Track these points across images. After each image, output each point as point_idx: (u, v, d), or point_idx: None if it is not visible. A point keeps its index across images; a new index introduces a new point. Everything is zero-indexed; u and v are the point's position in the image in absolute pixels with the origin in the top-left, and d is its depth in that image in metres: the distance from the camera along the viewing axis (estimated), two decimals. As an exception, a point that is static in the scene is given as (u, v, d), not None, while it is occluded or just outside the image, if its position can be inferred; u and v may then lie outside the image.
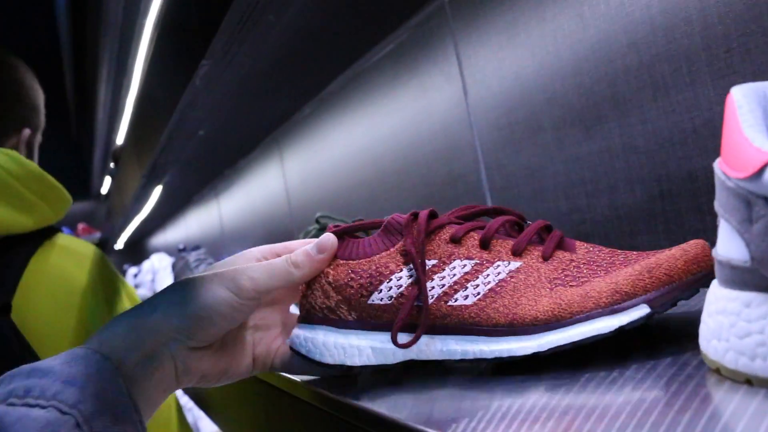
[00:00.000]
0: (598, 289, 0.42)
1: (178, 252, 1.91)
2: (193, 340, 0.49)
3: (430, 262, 0.47)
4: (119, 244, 4.72)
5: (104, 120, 2.93)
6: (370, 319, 0.48)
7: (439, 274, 0.47)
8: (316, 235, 0.65)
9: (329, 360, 0.49)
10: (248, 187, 2.02)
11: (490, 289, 0.45)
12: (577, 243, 0.47)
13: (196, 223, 2.78)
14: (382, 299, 0.47)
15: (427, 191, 1.03)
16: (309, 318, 0.50)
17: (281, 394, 0.60)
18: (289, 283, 0.51)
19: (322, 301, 0.49)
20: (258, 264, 0.50)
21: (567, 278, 0.44)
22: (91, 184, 5.21)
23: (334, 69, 1.20)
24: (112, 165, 2.93)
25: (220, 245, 2.48)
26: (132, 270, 3.39)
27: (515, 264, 0.46)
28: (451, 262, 0.47)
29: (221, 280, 0.49)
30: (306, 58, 1.10)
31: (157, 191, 2.20)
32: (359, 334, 0.49)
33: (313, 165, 1.48)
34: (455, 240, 0.47)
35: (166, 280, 2.34)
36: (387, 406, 0.43)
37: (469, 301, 0.46)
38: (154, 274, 2.54)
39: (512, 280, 0.45)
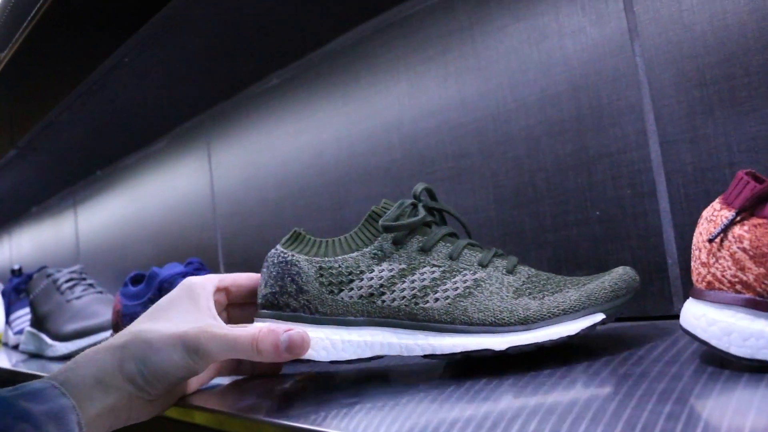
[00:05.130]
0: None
1: (12, 274, 1.65)
2: (146, 395, 0.50)
3: None
4: None
5: None
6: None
7: None
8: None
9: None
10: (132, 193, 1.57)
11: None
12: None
13: (29, 242, 2.24)
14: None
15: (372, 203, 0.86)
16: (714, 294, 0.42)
17: None
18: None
19: (732, 273, 0.40)
20: (222, 335, 0.50)
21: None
22: None
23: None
24: None
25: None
26: None
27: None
28: None
29: (184, 346, 0.49)
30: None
31: None
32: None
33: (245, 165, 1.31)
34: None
35: None
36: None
37: None
38: None
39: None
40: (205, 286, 0.56)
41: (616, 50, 0.65)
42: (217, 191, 1.26)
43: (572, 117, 0.68)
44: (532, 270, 0.54)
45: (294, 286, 0.54)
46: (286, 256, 0.55)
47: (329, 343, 0.52)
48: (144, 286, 0.89)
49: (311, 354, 0.52)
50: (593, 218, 0.66)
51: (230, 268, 1.23)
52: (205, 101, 1.23)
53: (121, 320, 0.88)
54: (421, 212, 0.55)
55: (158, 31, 0.81)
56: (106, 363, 0.50)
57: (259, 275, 0.59)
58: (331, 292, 0.53)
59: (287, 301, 0.54)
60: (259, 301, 0.56)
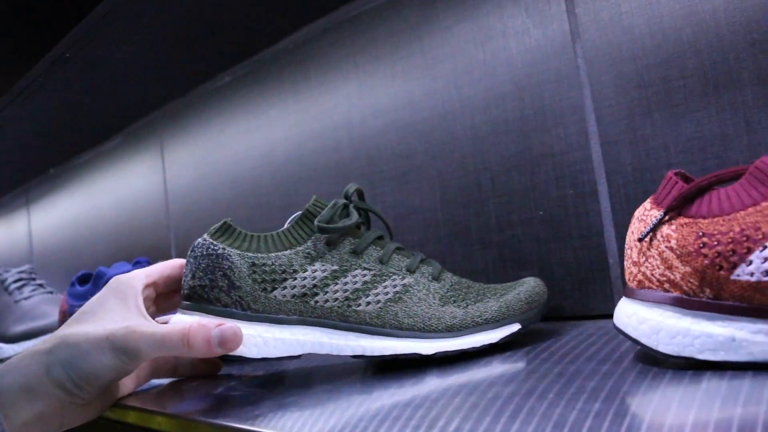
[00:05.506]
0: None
1: None
2: (78, 399, 0.50)
3: None
4: None
5: None
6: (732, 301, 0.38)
7: None
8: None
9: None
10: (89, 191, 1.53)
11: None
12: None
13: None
14: (752, 274, 0.36)
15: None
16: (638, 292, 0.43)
17: None
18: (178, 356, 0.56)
19: (661, 272, 0.41)
20: (150, 333, 0.49)
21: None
22: None
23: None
24: None
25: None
26: None
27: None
28: None
29: (112, 347, 0.49)
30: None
31: None
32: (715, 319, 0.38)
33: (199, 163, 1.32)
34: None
35: None
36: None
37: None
38: None
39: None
40: (132, 283, 0.55)
41: (559, 51, 0.65)
42: (170, 190, 1.25)
43: (516, 117, 0.69)
44: (455, 277, 0.57)
45: (226, 281, 0.52)
46: (216, 248, 0.53)
47: (261, 340, 0.51)
48: (91, 286, 0.87)
49: (242, 350, 0.51)
50: (537, 218, 0.67)
51: (183, 268, 1.21)
52: (157, 99, 1.21)
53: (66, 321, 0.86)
54: (354, 214, 0.56)
55: (99, 25, 0.79)
56: (32, 369, 0.49)
57: (180, 261, 0.60)
58: (264, 289, 0.52)
59: (218, 295, 0.52)
60: (184, 291, 0.54)
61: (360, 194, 0.59)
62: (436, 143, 0.76)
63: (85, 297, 0.87)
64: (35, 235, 1.90)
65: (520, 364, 0.47)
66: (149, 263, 0.89)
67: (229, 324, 0.50)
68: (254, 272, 0.52)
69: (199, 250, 0.54)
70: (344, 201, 0.57)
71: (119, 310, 0.53)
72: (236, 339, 0.50)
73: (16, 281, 1.24)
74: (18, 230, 1.99)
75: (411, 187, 0.78)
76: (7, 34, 0.91)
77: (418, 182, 0.78)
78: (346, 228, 0.54)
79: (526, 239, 0.68)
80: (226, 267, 0.52)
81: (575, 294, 0.63)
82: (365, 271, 0.54)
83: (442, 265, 0.59)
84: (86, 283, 0.92)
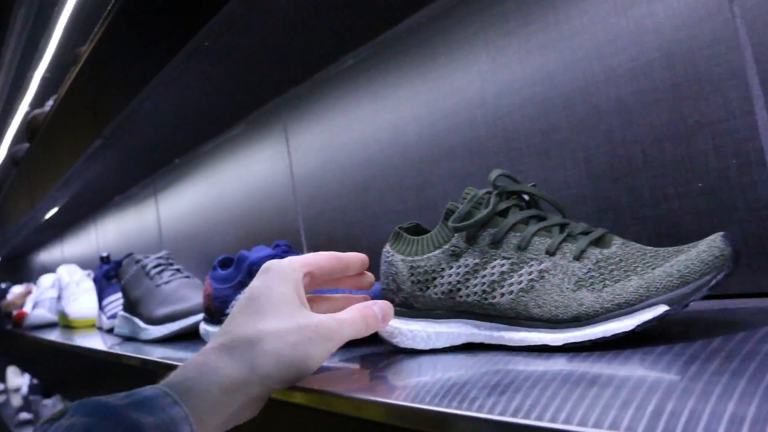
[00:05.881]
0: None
1: (102, 261, 1.66)
2: (270, 392, 0.50)
3: None
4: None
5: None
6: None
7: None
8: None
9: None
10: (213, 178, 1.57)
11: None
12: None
13: (114, 230, 2.28)
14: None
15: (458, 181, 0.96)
16: None
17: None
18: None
19: None
20: (350, 319, 0.53)
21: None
22: None
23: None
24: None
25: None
26: (16, 289, 2.84)
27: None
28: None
29: (319, 336, 0.51)
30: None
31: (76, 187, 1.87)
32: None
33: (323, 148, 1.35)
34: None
35: (81, 296, 1.87)
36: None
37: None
38: (61, 290, 2.13)
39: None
40: (295, 267, 0.56)
41: (713, 13, 0.62)
42: (296, 174, 1.27)
43: (667, 86, 0.65)
44: (607, 251, 0.51)
45: (394, 285, 0.60)
46: (388, 256, 0.61)
47: (425, 335, 0.58)
48: (233, 270, 0.90)
49: (412, 344, 0.59)
50: (696, 191, 0.64)
51: (314, 251, 1.23)
52: (281, 85, 1.23)
53: (212, 304, 0.89)
54: (491, 204, 0.55)
55: (237, 12, 0.80)
56: (233, 370, 0.48)
57: (335, 254, 0.62)
58: (420, 289, 0.58)
59: (392, 297, 0.61)
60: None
61: (511, 178, 0.58)
62: (578, 117, 0.73)
63: (227, 280, 0.89)
64: (164, 223, 1.98)
65: (672, 345, 0.45)
66: (288, 247, 0.90)
67: (379, 303, 0.57)
68: (412, 274, 0.59)
69: (383, 257, 0.62)
70: (486, 190, 0.57)
71: (290, 303, 0.53)
72: (391, 312, 0.58)
73: (155, 266, 1.29)
74: (148, 219, 2.08)
75: (554, 164, 0.76)
76: (145, 27, 0.94)
77: (560, 158, 0.76)
78: (476, 223, 0.55)
79: (684, 213, 0.65)
80: (393, 272, 0.60)
81: (743, 270, 0.60)
82: (503, 261, 0.54)
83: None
84: (227, 267, 0.94)
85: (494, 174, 0.57)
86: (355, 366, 0.62)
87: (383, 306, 0.57)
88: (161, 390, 0.45)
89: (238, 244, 1.51)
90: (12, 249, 3.66)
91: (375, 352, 0.65)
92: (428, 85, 0.94)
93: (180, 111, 1.25)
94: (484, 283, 0.54)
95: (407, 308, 0.60)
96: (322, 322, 0.51)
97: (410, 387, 0.48)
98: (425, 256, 0.58)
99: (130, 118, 1.07)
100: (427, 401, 0.43)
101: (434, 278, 0.57)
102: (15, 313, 2.40)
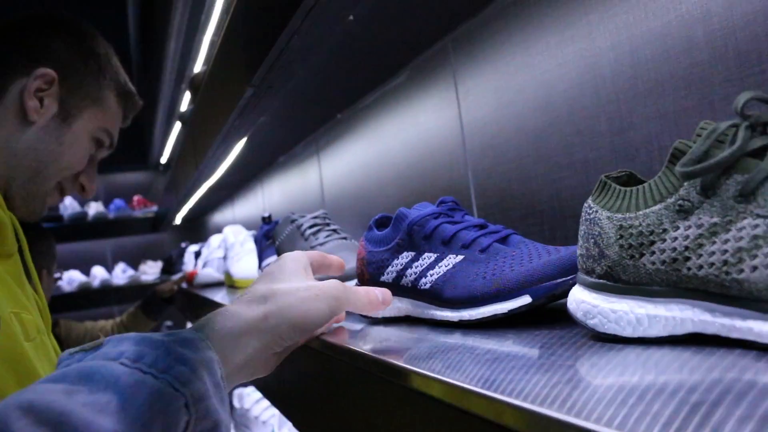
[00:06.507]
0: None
1: (263, 221, 1.64)
2: (281, 346, 0.57)
3: None
4: (177, 219, 4.20)
5: (175, 59, 2.48)
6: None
7: None
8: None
9: None
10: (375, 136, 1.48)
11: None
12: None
13: (279, 191, 2.25)
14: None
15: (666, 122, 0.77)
16: None
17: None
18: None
19: None
20: (354, 290, 0.62)
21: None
22: (150, 152, 5.06)
23: None
24: (187, 99, 2.55)
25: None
26: (192, 248, 2.93)
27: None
28: None
29: (326, 296, 0.58)
30: None
31: (238, 147, 1.80)
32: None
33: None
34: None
35: (245, 256, 1.93)
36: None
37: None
38: (227, 250, 2.13)
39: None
40: (302, 258, 0.66)
41: None
42: (466, 123, 1.12)
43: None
44: None
45: (596, 249, 0.47)
46: (591, 212, 0.48)
47: (634, 317, 0.45)
48: (391, 230, 0.77)
49: (614, 328, 0.46)
50: None
51: (484, 210, 1.09)
52: (447, 22, 1.08)
53: (366, 269, 0.77)
54: (742, 139, 0.39)
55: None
56: (250, 316, 0.55)
57: (322, 254, 0.72)
58: (632, 256, 0.45)
59: (592, 266, 0.48)
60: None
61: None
62: None
63: (384, 242, 0.76)
64: (326, 181, 1.90)
65: None
66: (456, 203, 0.76)
67: (381, 288, 0.66)
68: (621, 236, 0.45)
69: (583, 214, 0.50)
70: (731, 123, 0.41)
71: (302, 277, 0.62)
72: (390, 298, 0.65)
73: (311, 227, 1.21)
74: (310, 178, 2.01)
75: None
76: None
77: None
78: (717, 165, 0.40)
79: None
80: (596, 233, 0.48)
81: None
82: (757, 220, 0.38)
83: None
84: (385, 227, 0.81)
85: (743, 98, 0.41)
86: (525, 351, 0.48)
87: (384, 291, 0.65)
88: (196, 335, 0.51)
89: (401, 202, 1.39)
90: (189, 211, 3.78)
91: (562, 336, 0.51)
92: (627, 4, 0.75)
93: (333, 60, 1.14)
94: (726, 251, 0.39)
95: (612, 281, 0.46)
96: (330, 284, 0.59)
97: (601, 396, 0.34)
98: (641, 212, 0.44)
99: (279, 63, 0.96)
100: (627, 426, 0.29)
101: (652, 242, 0.43)
102: (188, 272, 2.46)
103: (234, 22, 1.21)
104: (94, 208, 4.92)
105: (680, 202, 0.42)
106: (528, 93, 0.95)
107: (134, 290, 4.70)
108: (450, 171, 1.19)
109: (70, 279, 4.77)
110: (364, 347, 0.58)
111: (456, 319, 0.61)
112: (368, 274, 0.75)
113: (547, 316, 0.59)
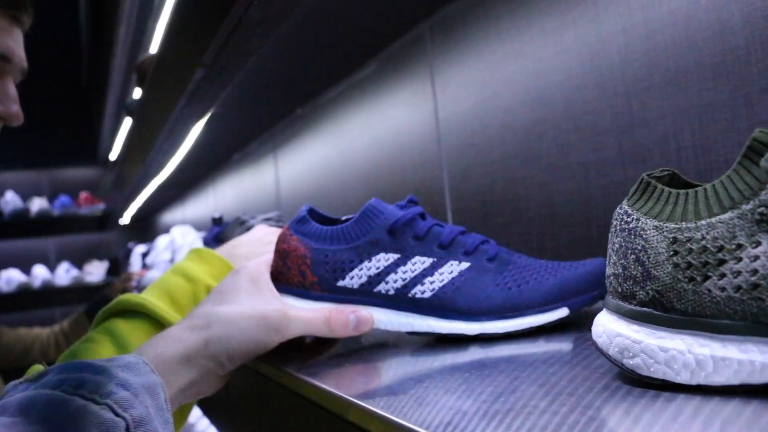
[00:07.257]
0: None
1: (213, 222, 1.54)
2: (222, 370, 0.56)
3: None
4: (125, 218, 4.04)
5: (125, 46, 2.37)
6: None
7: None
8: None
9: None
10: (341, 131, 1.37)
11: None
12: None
13: (231, 191, 2.15)
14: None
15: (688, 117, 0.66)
16: None
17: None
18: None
19: None
20: (300, 316, 0.58)
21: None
22: (99, 147, 4.86)
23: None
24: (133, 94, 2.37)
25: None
26: (139, 248, 2.80)
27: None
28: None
29: (266, 325, 0.57)
30: None
31: (188, 142, 1.68)
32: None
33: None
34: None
35: None
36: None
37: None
38: (174, 252, 2.03)
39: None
40: (261, 270, 0.63)
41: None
42: (442, 119, 1.02)
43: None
44: None
45: (639, 269, 0.37)
46: (630, 219, 0.38)
47: (693, 359, 0.35)
48: (354, 225, 0.65)
49: (666, 372, 0.36)
50: None
51: (461, 215, 0.98)
52: (424, 6, 0.97)
53: (309, 269, 0.65)
54: None
55: None
56: (192, 342, 0.55)
57: None
58: (691, 279, 0.35)
59: (632, 289, 0.38)
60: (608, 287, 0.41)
61: None
62: None
63: (340, 239, 0.64)
64: (282, 182, 1.79)
65: None
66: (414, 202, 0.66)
67: (364, 311, 0.59)
68: (675, 252, 0.36)
69: (615, 222, 0.40)
70: None
71: (257, 294, 0.60)
72: (369, 323, 0.58)
73: (263, 227, 1.10)
74: (266, 178, 1.90)
75: None
76: None
77: None
78: None
79: None
80: (639, 247, 0.38)
81: None
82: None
83: None
84: (327, 222, 0.69)
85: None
86: (539, 399, 0.37)
87: (361, 316, 0.59)
88: (140, 359, 0.49)
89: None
90: (138, 210, 3.63)
91: (587, 377, 0.41)
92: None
93: (296, 50, 1.03)
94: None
95: (662, 310, 0.36)
96: (272, 315, 0.57)
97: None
98: (703, 222, 0.35)
99: (233, 38, 0.84)
100: None
101: (721, 261, 0.34)
102: (134, 273, 2.34)
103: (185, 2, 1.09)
104: (37, 204, 4.74)
105: (761, 209, 0.33)
106: (518, 85, 0.84)
107: (78, 292, 4.56)
108: (422, 171, 1.08)
109: (9, 279, 4.58)
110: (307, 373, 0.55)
111: (475, 333, 0.56)
112: (315, 277, 0.62)
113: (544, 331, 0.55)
